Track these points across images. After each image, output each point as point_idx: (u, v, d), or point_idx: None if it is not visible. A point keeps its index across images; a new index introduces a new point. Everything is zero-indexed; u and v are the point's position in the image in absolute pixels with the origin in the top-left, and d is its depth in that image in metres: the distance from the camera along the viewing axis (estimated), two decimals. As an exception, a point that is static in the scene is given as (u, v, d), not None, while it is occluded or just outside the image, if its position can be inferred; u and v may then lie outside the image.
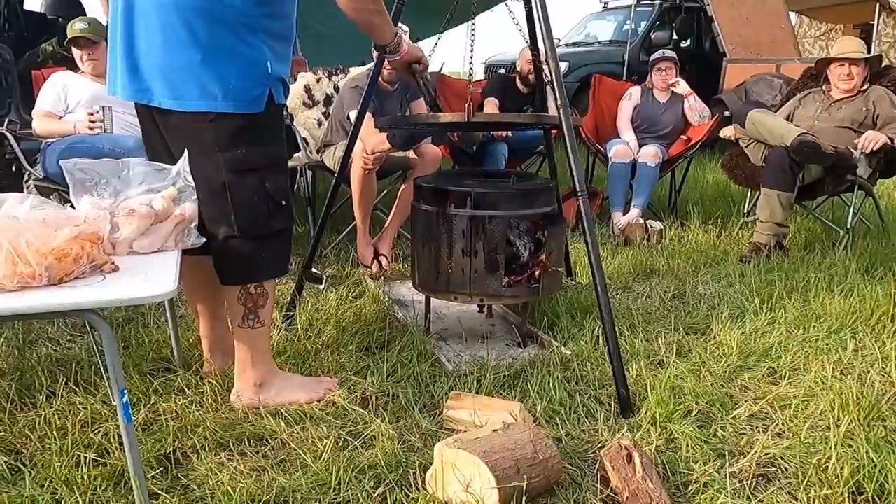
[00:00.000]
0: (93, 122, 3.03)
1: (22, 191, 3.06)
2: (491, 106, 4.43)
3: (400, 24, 3.25)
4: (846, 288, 2.88)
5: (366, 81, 2.76)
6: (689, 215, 4.27)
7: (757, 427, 1.84)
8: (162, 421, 1.78)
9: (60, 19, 5.35)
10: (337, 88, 4.15)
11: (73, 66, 3.35)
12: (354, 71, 4.17)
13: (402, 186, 3.37)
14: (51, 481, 1.52)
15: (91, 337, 2.31)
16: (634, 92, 4.53)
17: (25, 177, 3.22)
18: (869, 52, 3.84)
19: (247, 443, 1.72)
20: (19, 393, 1.92)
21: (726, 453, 1.70)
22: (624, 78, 7.33)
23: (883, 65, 3.85)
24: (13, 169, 3.33)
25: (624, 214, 4.01)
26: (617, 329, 2.10)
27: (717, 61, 7.73)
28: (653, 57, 4.56)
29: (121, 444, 1.57)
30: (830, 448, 1.66)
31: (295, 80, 4.18)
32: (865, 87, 3.69)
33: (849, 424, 1.78)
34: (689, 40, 8.83)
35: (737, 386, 2.09)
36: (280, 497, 1.51)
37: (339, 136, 3.52)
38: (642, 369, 2.13)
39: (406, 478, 1.58)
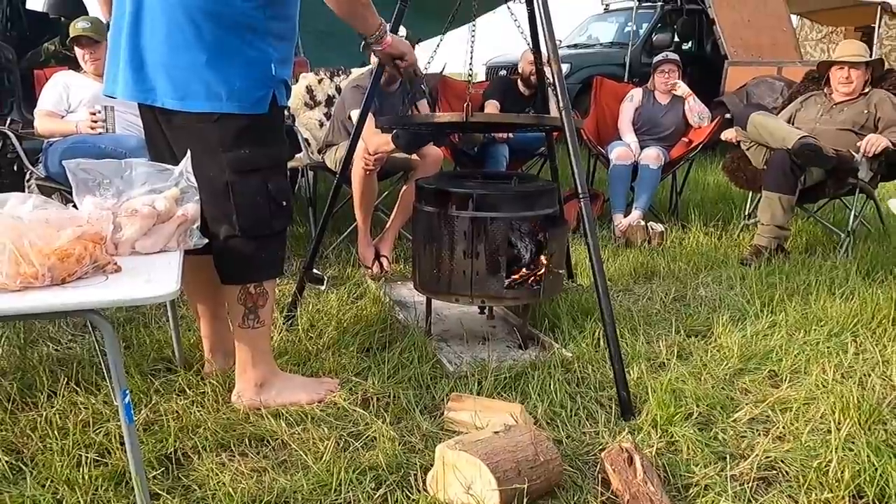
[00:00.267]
0: (95, 121, 3.04)
1: (24, 190, 3.06)
2: (492, 108, 4.44)
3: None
4: (847, 291, 2.89)
5: (367, 82, 2.77)
6: (690, 217, 4.28)
7: (758, 430, 1.85)
8: (163, 421, 1.79)
9: (63, 19, 5.36)
10: (339, 89, 4.15)
11: (75, 66, 3.36)
12: (356, 72, 4.18)
13: (404, 187, 3.37)
14: (52, 481, 1.53)
15: (92, 337, 2.32)
16: (636, 94, 4.53)
17: (27, 176, 3.22)
18: (870, 55, 3.84)
19: (248, 443, 1.72)
20: (20, 392, 1.92)
21: (727, 456, 1.70)
22: (625, 80, 7.33)
23: (885, 68, 3.85)
24: (15, 168, 3.34)
25: (625, 216, 4.02)
26: (618, 331, 2.10)
27: (718, 63, 7.73)
28: (656, 59, 4.56)
29: (122, 444, 1.57)
30: (831, 451, 1.66)
31: (297, 80, 4.18)
32: (867, 89, 3.69)
33: (850, 428, 1.78)
34: (690, 42, 8.84)
35: (737, 389, 2.09)
36: (281, 498, 1.51)
37: (340, 136, 3.53)
38: (643, 371, 2.13)
39: (407, 479, 1.58)
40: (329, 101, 4.12)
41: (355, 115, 2.71)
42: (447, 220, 2.29)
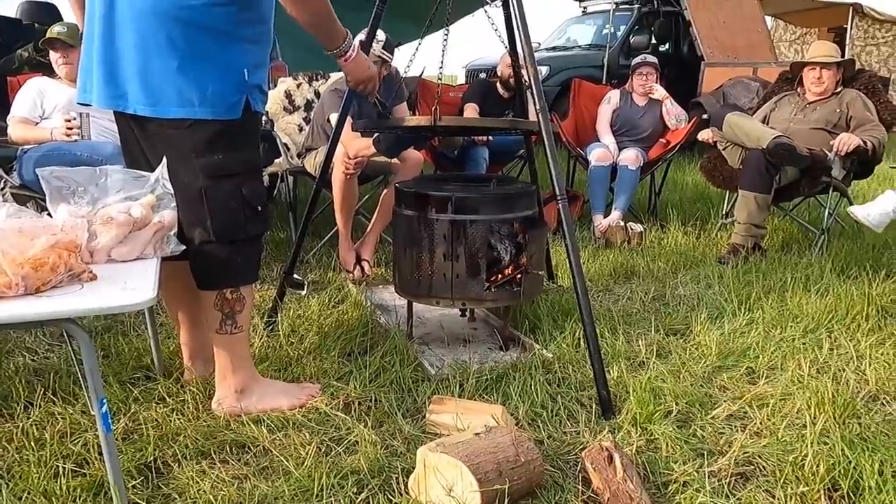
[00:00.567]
0: (70, 128, 3.00)
1: (-2, 199, 3.02)
2: (471, 111, 4.45)
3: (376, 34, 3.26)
4: (822, 288, 2.94)
5: (346, 85, 2.76)
6: (669, 217, 4.32)
7: (735, 426, 1.87)
8: (142, 430, 1.77)
9: (36, 25, 5.29)
10: (318, 94, 4.14)
11: (49, 73, 3.32)
12: (335, 76, 4.17)
13: (384, 191, 3.37)
14: (29, 493, 1.51)
15: (69, 346, 2.29)
16: (613, 96, 4.57)
17: (1, 184, 3.18)
18: (843, 55, 3.91)
19: (228, 450, 1.72)
20: (-4, 404, 1.89)
21: (705, 453, 1.73)
22: (603, 82, 7.40)
23: (856, 68, 3.93)
24: (-12, 176, 3.29)
25: (605, 217, 4.05)
26: (598, 331, 2.12)
27: (695, 65, 7.82)
28: (634, 61, 4.61)
29: (100, 454, 1.56)
30: (807, 446, 1.69)
31: (275, 85, 4.17)
32: (839, 89, 3.76)
33: (825, 422, 1.81)
34: (667, 44, 8.92)
35: (716, 386, 2.12)
36: (262, 504, 1.51)
37: (320, 140, 3.52)
38: (623, 371, 2.15)
39: (389, 483, 1.59)
40: (308, 105, 4.11)
41: (334, 118, 2.71)
42: (427, 223, 2.30)
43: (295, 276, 2.60)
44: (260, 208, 1.81)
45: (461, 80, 9.16)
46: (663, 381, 2.07)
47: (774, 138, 3.41)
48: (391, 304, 2.84)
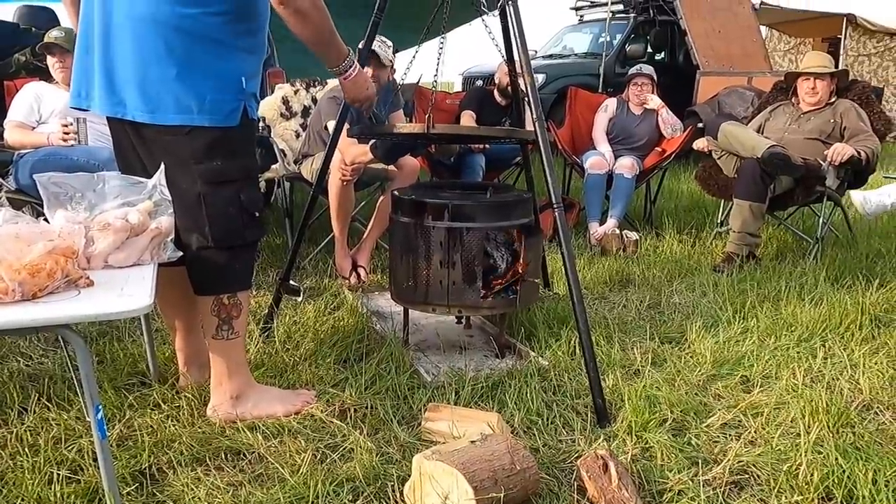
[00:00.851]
0: (67, 133, 3.00)
1: (-7, 203, 3.01)
2: (467, 118, 4.47)
3: (384, 39, 3.29)
4: (816, 297, 2.95)
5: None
6: (664, 226, 4.34)
7: (730, 435, 1.88)
8: (137, 436, 1.77)
9: (34, 29, 5.28)
10: (315, 100, 4.15)
11: (46, 77, 3.32)
12: (332, 82, 4.18)
13: (381, 198, 3.37)
14: (23, 499, 1.50)
15: (64, 351, 2.28)
16: (610, 104, 4.59)
17: (-3, 189, 3.17)
18: (837, 65, 3.95)
19: (224, 457, 1.71)
20: (-10, 409, 1.89)
21: (700, 461, 1.73)
22: (599, 90, 7.43)
23: (849, 79, 3.96)
24: (-15, 181, 3.28)
25: (600, 225, 4.06)
26: (593, 339, 2.13)
27: (690, 73, 7.87)
28: (630, 71, 4.64)
29: (95, 460, 1.55)
30: (801, 455, 1.70)
31: (272, 91, 4.17)
32: (833, 99, 3.79)
33: (819, 431, 1.82)
34: (663, 53, 8.97)
35: (710, 394, 2.13)
36: (257, 512, 1.50)
37: (317, 147, 3.53)
38: (618, 379, 2.15)
39: (384, 490, 1.58)
40: (305, 111, 4.12)
41: (332, 125, 2.71)
42: (423, 230, 2.31)
43: (291, 282, 2.60)
44: (257, 214, 1.82)
45: (457, 87, 9.19)
46: (658, 390, 2.07)
47: (769, 148, 3.43)
48: (387, 311, 2.84)
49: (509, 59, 2.73)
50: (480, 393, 2.07)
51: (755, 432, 1.87)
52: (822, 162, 3.56)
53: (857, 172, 3.71)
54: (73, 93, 1.75)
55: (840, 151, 3.47)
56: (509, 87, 4.42)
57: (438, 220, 2.28)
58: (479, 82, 8.12)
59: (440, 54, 2.40)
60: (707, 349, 2.39)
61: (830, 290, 3.07)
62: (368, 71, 3.19)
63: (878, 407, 2.06)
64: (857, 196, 3.39)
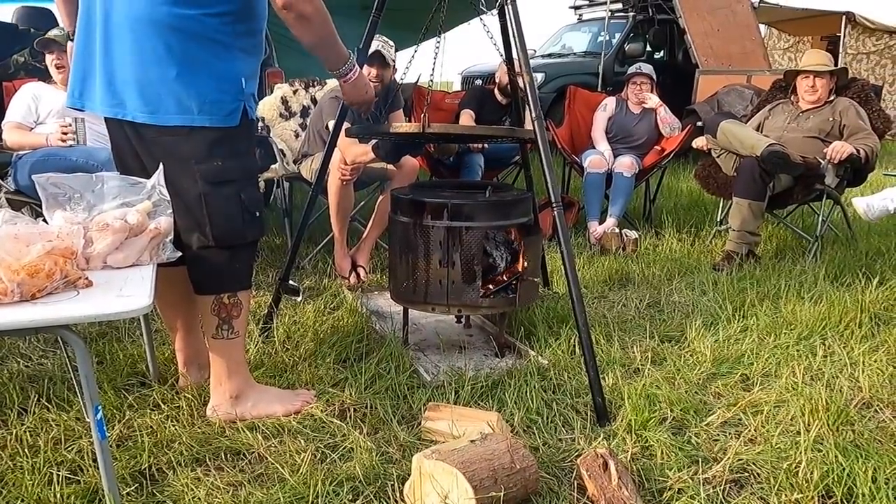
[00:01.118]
0: (65, 133, 3.00)
1: (-8, 204, 3.01)
2: (466, 118, 4.46)
3: (386, 39, 3.29)
4: (815, 295, 2.95)
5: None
6: (664, 224, 4.33)
7: (730, 433, 1.88)
8: (137, 437, 1.77)
9: (32, 30, 5.28)
10: (314, 100, 4.15)
11: (44, 78, 3.32)
12: (332, 82, 4.18)
13: (380, 197, 3.37)
14: (23, 500, 1.50)
15: (64, 352, 2.28)
16: (609, 103, 4.59)
17: (-4, 190, 3.17)
18: (836, 63, 3.94)
19: (223, 457, 1.71)
20: (-10, 410, 1.89)
21: (700, 460, 1.73)
22: (599, 89, 7.42)
23: (849, 77, 3.96)
24: (-17, 182, 3.28)
25: (600, 224, 4.06)
26: (593, 338, 2.13)
27: (689, 72, 7.87)
28: (630, 70, 4.63)
29: (95, 461, 1.55)
30: (801, 453, 1.70)
31: (271, 91, 4.17)
32: (832, 97, 3.79)
33: (818, 429, 1.82)
34: (662, 52, 8.97)
35: (710, 393, 2.13)
36: (257, 512, 1.50)
37: (316, 146, 3.53)
38: (618, 377, 2.15)
39: (384, 490, 1.58)
40: (304, 111, 4.12)
41: (333, 125, 2.72)
42: (423, 230, 2.31)
43: (290, 282, 2.60)
44: (257, 213, 1.83)
45: (457, 86, 9.18)
46: (658, 388, 2.07)
47: (768, 146, 3.43)
48: (387, 311, 2.84)
49: (508, 59, 2.73)
50: (480, 392, 2.07)
51: (755, 430, 1.87)
52: (821, 160, 3.56)
53: (856, 171, 3.71)
54: (70, 92, 1.75)
55: (839, 150, 3.47)
56: (509, 87, 4.46)
57: (438, 220, 2.28)
58: (479, 81, 8.11)
59: (436, 54, 2.40)
60: (707, 347, 2.39)
61: (830, 288, 3.07)
62: (371, 71, 3.20)
63: (877, 405, 2.06)
64: (860, 203, 3.39)
